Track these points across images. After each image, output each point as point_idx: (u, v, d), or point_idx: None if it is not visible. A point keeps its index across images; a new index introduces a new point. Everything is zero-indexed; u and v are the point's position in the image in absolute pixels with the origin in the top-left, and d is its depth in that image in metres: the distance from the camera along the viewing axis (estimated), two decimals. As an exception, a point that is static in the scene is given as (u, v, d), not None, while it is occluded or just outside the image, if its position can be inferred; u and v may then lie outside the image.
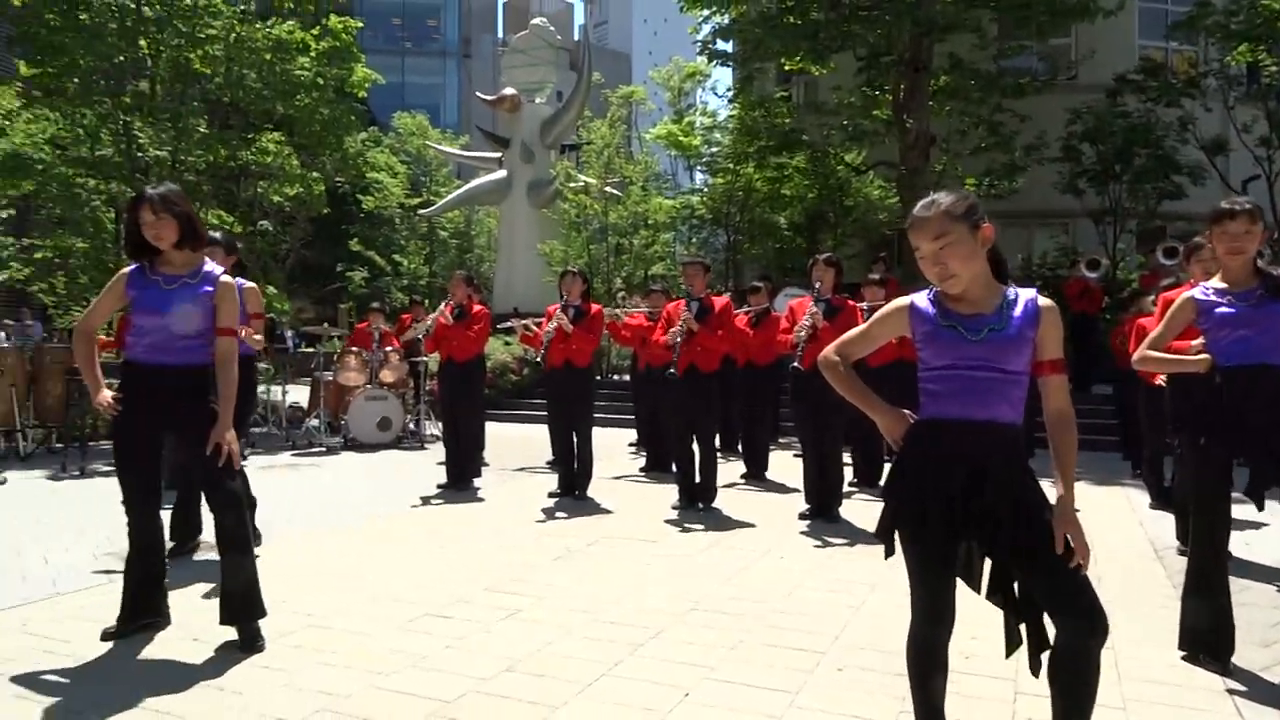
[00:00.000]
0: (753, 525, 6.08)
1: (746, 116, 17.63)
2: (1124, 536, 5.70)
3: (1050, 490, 2.29)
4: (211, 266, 3.65)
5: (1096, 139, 15.04)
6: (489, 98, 21.65)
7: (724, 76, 42.62)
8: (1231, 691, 3.21)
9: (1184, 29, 15.72)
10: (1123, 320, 8.07)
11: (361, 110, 18.18)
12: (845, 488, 6.60)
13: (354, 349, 10.24)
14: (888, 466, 7.64)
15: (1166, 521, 5.70)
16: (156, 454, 3.68)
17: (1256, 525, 5.56)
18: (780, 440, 9.70)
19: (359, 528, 5.91)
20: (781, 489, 7.47)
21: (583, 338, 6.82)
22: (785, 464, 8.44)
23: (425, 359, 10.29)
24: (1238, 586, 4.39)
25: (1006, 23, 15.07)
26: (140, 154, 11.88)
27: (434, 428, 10.55)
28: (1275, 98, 15.01)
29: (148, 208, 3.47)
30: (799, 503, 6.42)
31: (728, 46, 16.05)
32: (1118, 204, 15.36)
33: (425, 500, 6.89)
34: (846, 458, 6.89)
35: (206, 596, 4.20)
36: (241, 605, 3.55)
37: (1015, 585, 2.31)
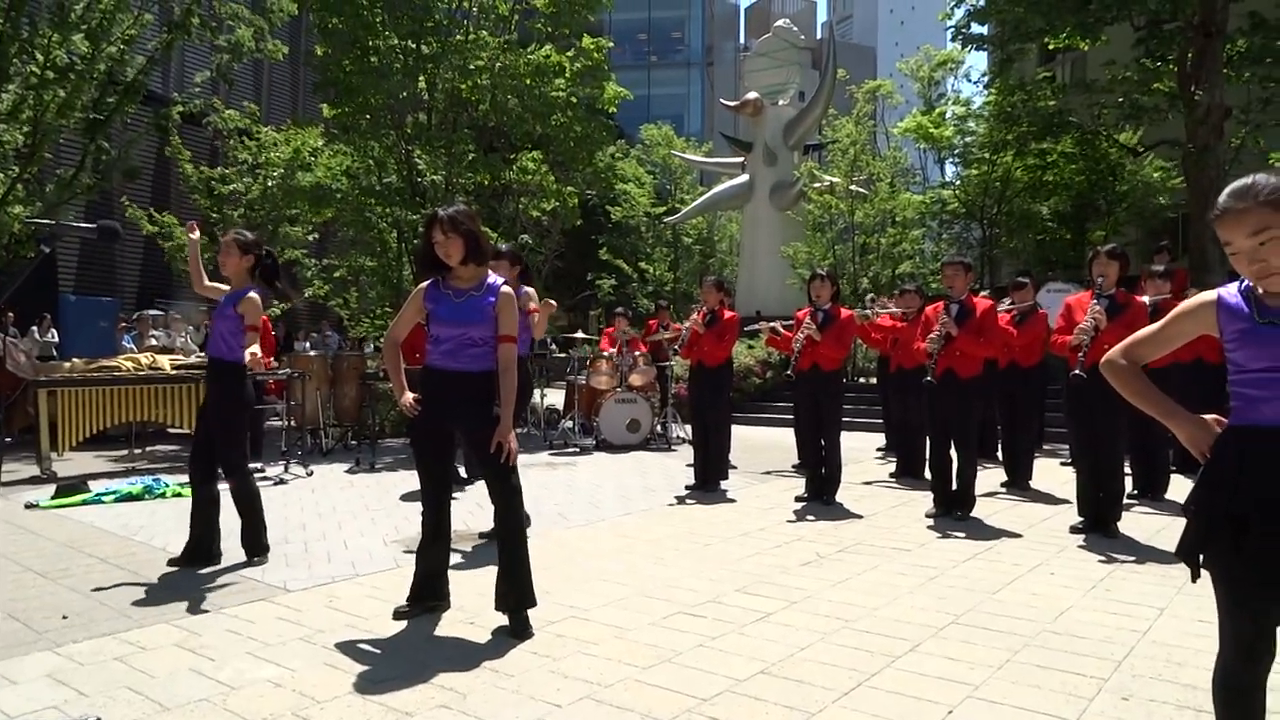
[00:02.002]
0: (1019, 536, 5.69)
1: (1005, 102, 16.54)
2: None
3: None
4: (494, 278, 3.95)
5: None
6: (731, 104, 21.85)
7: (978, 62, 40.33)
8: None
9: None
10: None
11: (611, 125, 19.01)
12: (1125, 500, 6.01)
13: (604, 354, 10.71)
14: (1175, 479, 6.92)
15: None
16: (450, 451, 4.05)
17: None
18: (1044, 447, 9.00)
19: (614, 525, 6.17)
20: (1048, 499, 6.94)
21: (832, 344, 6.71)
22: (1050, 472, 7.84)
23: (671, 363, 10.56)
24: None
25: (1322, -30, 13.11)
26: (419, 179, 13.12)
27: (680, 430, 10.80)
28: None
29: (438, 227, 3.82)
30: (1068, 515, 5.94)
31: (984, 29, 15.17)
32: None
33: (678, 500, 7.07)
34: (1125, 467, 6.27)
35: (481, 583, 4.56)
36: (515, 594, 3.82)
37: None
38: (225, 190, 16.68)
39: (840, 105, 20.71)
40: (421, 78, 13.05)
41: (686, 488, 7.46)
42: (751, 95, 20.81)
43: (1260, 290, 2.07)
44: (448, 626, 3.89)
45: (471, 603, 4.16)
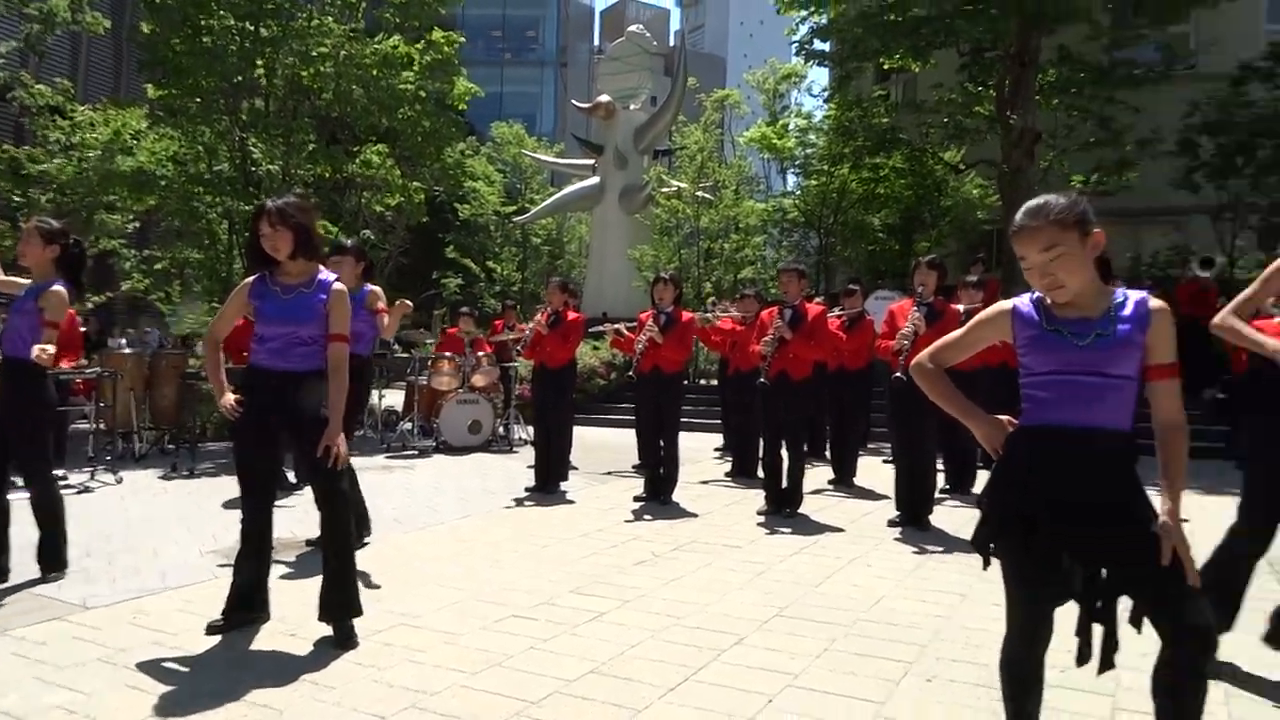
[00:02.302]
0: (841, 531, 5.98)
1: (843, 117, 17.38)
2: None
3: (1160, 500, 2.19)
4: (326, 275, 3.79)
5: (1217, 131, 14.26)
6: (584, 105, 21.95)
7: (820, 77, 42.11)
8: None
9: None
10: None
11: (461, 121, 18.69)
12: (937, 494, 6.42)
13: (447, 354, 10.51)
14: (981, 474, 7.44)
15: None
16: (275, 455, 3.86)
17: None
18: (869, 446, 9.50)
19: (449, 529, 6.06)
20: (871, 495, 7.33)
21: (674, 346, 6.84)
22: (873, 470, 8.27)
23: (516, 364, 10.48)
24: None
25: (1121, 11, 14.43)
26: (254, 169, 12.47)
27: (523, 431, 10.73)
28: None
29: (266, 219, 3.63)
30: (888, 510, 6.29)
31: (825, 46, 15.86)
32: (1238, 199, 14.52)
33: (517, 502, 7.02)
34: (939, 464, 6.70)
35: (304, 593, 4.38)
36: (340, 603, 3.68)
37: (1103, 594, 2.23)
38: (33, 171, 15.29)
39: (690, 112, 21.17)
40: (259, 62, 12.41)
41: (526, 489, 7.42)
42: (604, 98, 20.97)
43: (1049, 301, 2.26)
44: (266, 639, 3.71)
45: (294, 613, 3.99)
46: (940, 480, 7.02)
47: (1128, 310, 2.21)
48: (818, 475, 7.99)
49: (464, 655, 3.55)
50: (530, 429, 8.83)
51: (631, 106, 21.73)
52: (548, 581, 4.66)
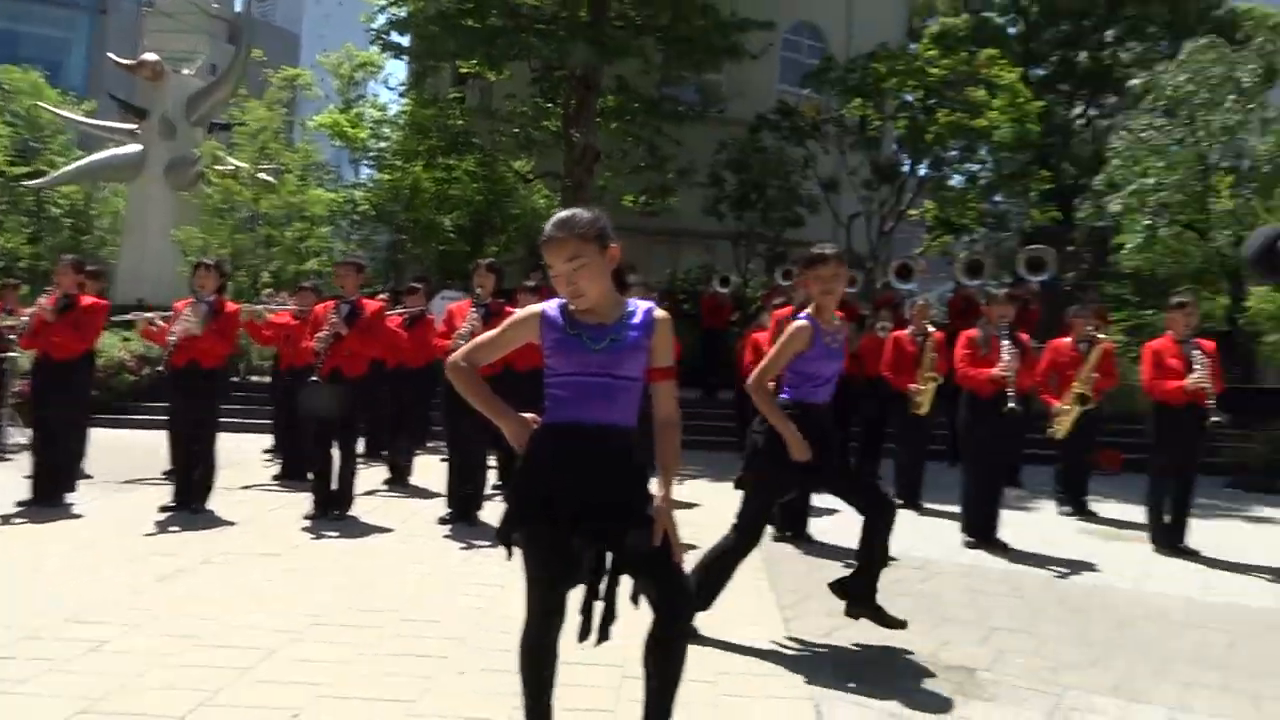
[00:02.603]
0: (390, 531, 5.95)
1: (418, 114, 17.28)
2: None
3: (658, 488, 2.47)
4: None
5: (738, 169, 16.64)
6: (126, 62, 19.21)
7: (397, 69, 41.50)
8: (799, 656, 3.68)
9: (814, 80, 17.90)
10: (745, 333, 8.95)
11: (-50, 56, 15.29)
12: (489, 490, 6.65)
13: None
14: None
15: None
16: None
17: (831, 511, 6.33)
18: (429, 445, 9.55)
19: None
20: (425, 494, 7.36)
21: (213, 339, 6.24)
22: (431, 468, 8.32)
23: (14, 354, 8.81)
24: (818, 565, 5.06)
25: (670, 54, 16.22)
26: None
27: (20, 435, 9.04)
28: (877, 148, 17.57)
29: None
30: (441, 507, 6.37)
31: (403, 40, 15.66)
32: (751, 228, 17.10)
33: (3, 520, 5.90)
34: (492, 460, 6.95)
35: None
36: None
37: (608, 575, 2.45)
38: None
39: (254, 88, 19.56)
40: None
41: (18, 504, 6.24)
42: (151, 56, 18.57)
43: (572, 307, 2.44)
44: None
45: None
46: (492, 476, 7.28)
47: (637, 318, 2.47)
48: (374, 475, 7.84)
49: (-97, 711, 2.91)
50: (30, 432, 7.45)
51: (185, 71, 19.51)
52: (34, 612, 3.98)
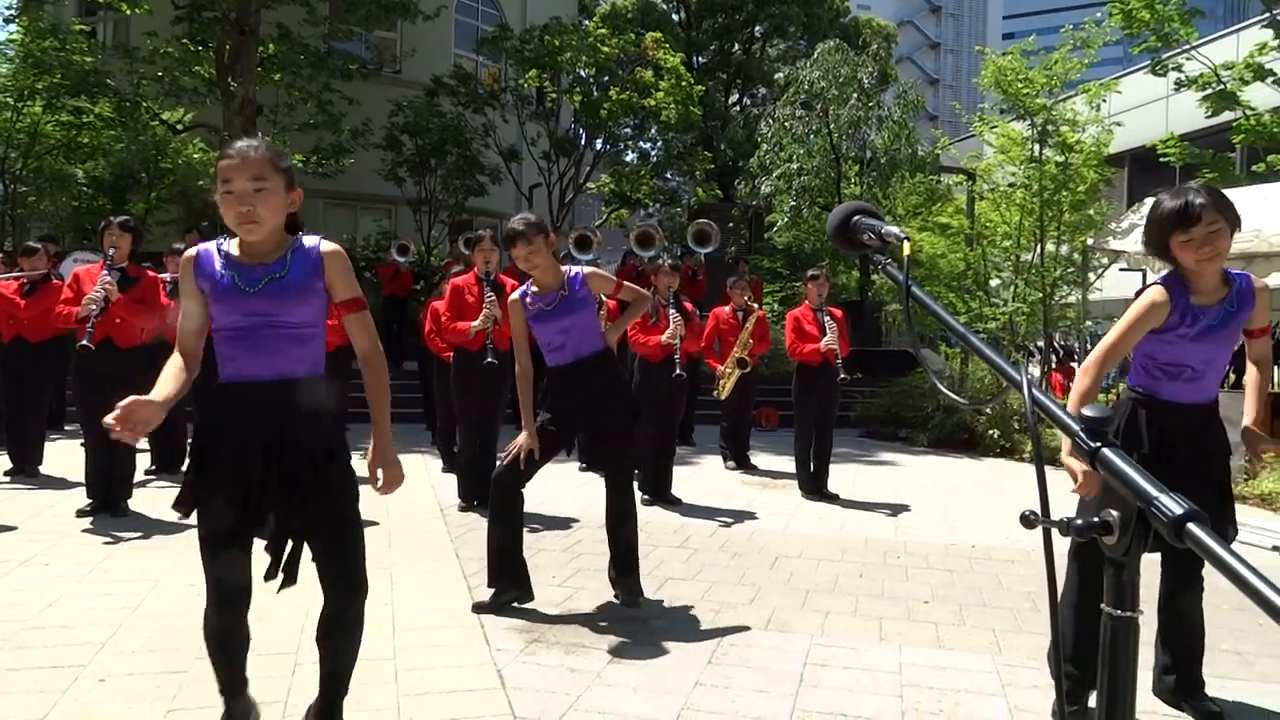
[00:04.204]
0: (14, 529, 5.14)
1: (34, 45, 14.77)
2: (418, 498, 6.23)
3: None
4: None
5: (416, 133, 16.19)
6: None
7: (8, -8, 35.00)
8: (482, 624, 3.73)
9: (489, 46, 17.83)
10: (427, 302, 8.79)
11: None
12: (139, 476, 5.99)
13: None
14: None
15: (453, 483, 6.37)
16: None
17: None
18: (65, 428, 8.37)
19: None
20: (61, 484, 6.46)
21: None
22: (69, 455, 7.32)
23: None
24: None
25: (337, 6, 15.29)
26: None
27: None
28: (555, 120, 17.94)
29: None
30: (77, 498, 5.63)
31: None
32: (432, 195, 16.77)
33: None
34: (143, 444, 6.25)
35: None
36: None
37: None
38: None
39: None
40: None
41: None
42: None
43: (241, 238, 2.24)
44: None
45: None
46: (146, 460, 6.56)
47: (303, 256, 2.28)
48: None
49: None
50: None
51: None
52: None
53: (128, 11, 14.63)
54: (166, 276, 6.32)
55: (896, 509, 6.51)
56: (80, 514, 5.42)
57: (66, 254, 9.81)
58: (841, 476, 7.27)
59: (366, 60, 16.52)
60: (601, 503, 4.10)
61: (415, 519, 5.66)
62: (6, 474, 6.68)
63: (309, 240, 2.32)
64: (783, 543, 5.37)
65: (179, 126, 15.67)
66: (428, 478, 7.10)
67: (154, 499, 5.92)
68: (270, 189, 2.18)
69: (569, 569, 4.62)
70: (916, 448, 10.05)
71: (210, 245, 2.29)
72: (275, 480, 2.24)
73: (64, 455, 7.09)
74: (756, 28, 24.95)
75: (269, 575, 2.33)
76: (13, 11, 15.49)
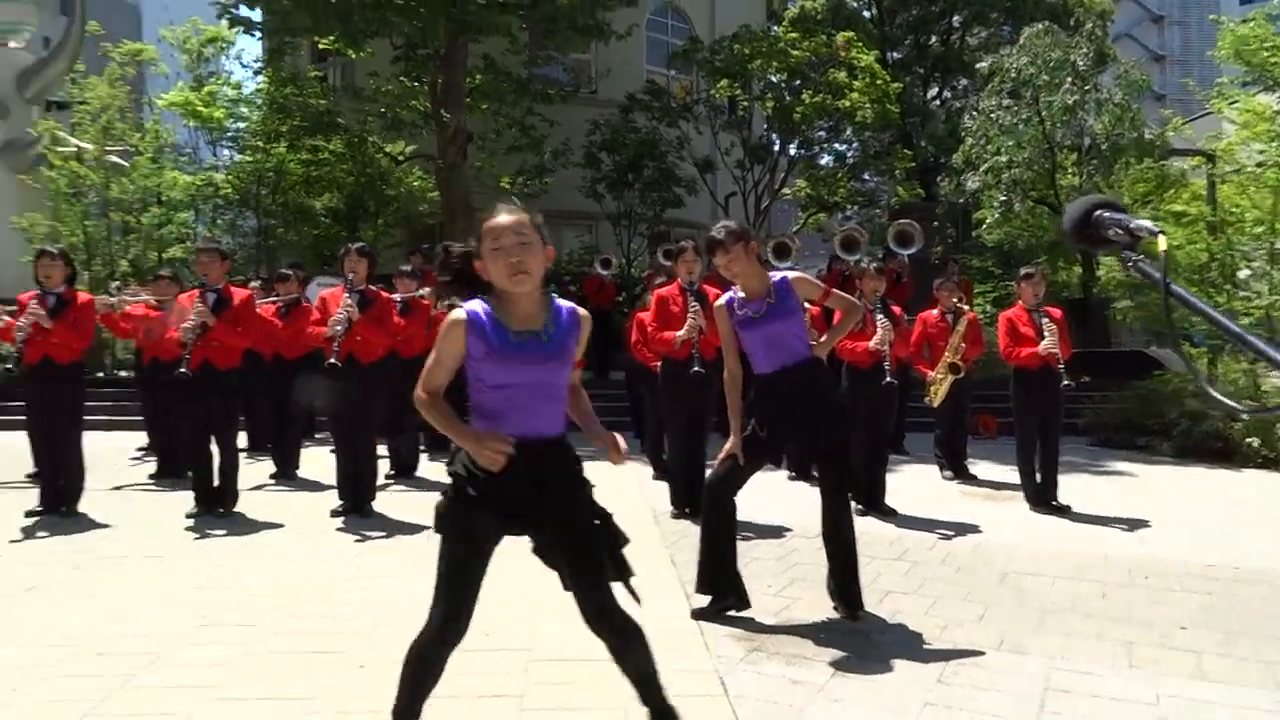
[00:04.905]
0: (281, 526, 5.74)
1: (277, 93, 16.50)
2: (629, 504, 6.39)
3: None
4: None
5: (613, 149, 16.68)
6: (-58, 34, 17.61)
7: (252, 46, 39.36)
8: (701, 630, 3.78)
9: (680, 60, 18.10)
10: (632, 314, 9.02)
11: None
12: (381, 480, 6.51)
13: None
14: (424, 458, 7.74)
15: (665, 490, 6.49)
16: None
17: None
18: (316, 436, 9.25)
19: None
20: (315, 487, 7.13)
21: (66, 332, 5.84)
22: (321, 461, 8.07)
23: None
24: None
25: (536, 33, 16.03)
26: None
27: None
28: (748, 128, 17.94)
29: None
30: (332, 499, 6.19)
31: (254, 14, 14.86)
32: (631, 209, 17.20)
33: None
34: (383, 449, 6.79)
35: None
36: None
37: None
38: None
39: (94, 63, 18.23)
40: None
41: None
42: (-29, 29, 17.08)
43: (509, 289, 2.38)
44: None
45: None
46: (385, 466, 7.11)
47: (564, 319, 2.47)
48: (258, 470, 7.54)
49: None
50: None
51: (13, 44, 18.03)
52: (-115, 632, 3.68)
53: (353, 56, 15.99)
54: (397, 297, 6.85)
55: (1136, 524, 6.01)
56: (333, 514, 5.97)
57: (310, 279, 10.82)
58: (1072, 488, 6.80)
59: (565, 83, 17.22)
60: (813, 512, 4.05)
61: (628, 526, 5.78)
62: (271, 477, 7.46)
63: (564, 302, 2.51)
64: (1010, 557, 5.09)
65: (400, 157, 16.95)
66: (639, 485, 7.28)
67: (395, 502, 6.43)
68: (533, 244, 2.36)
69: (784, 579, 4.59)
70: (1158, 457, 9.20)
71: (478, 308, 2.41)
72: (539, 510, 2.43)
73: (316, 461, 7.84)
74: (955, 17, 23.86)
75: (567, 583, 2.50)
76: (260, 64, 17.36)
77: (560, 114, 16.26)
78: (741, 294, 3.94)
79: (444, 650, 2.48)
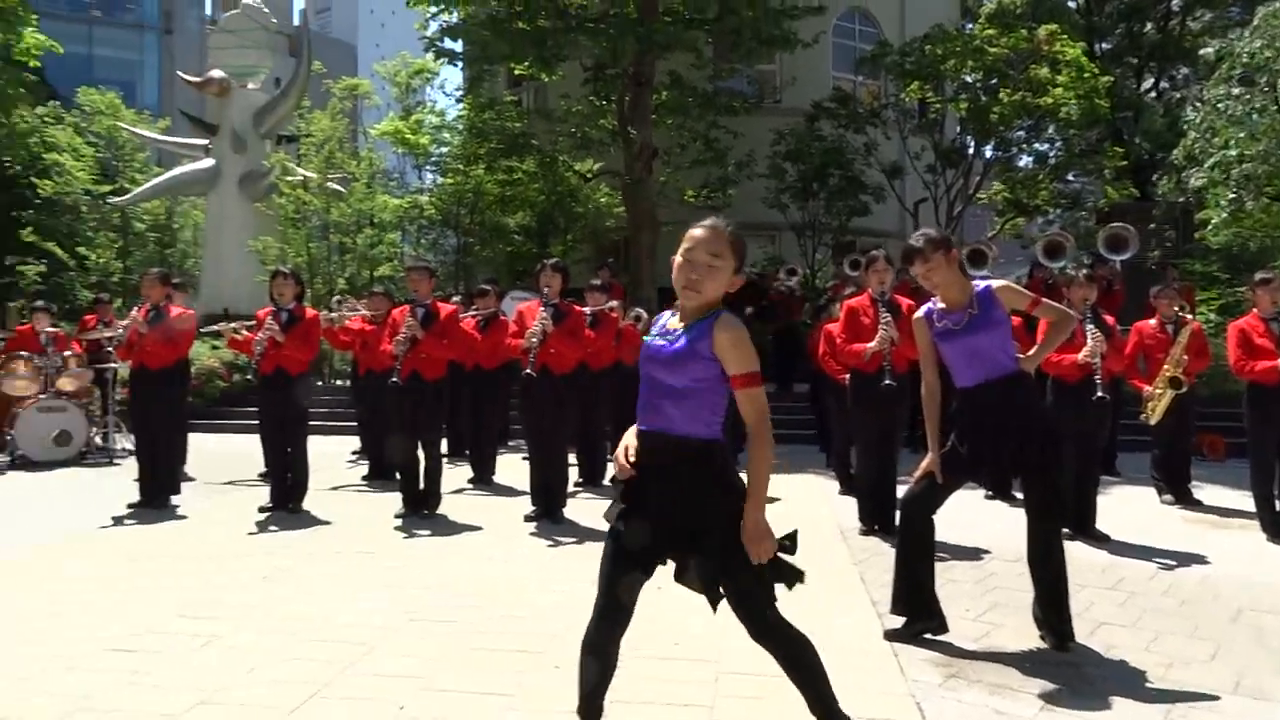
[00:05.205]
0: (479, 529, 6.05)
1: (476, 118, 17.48)
2: (816, 520, 6.27)
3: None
4: None
5: (797, 159, 16.48)
6: (194, 79, 19.81)
7: (453, 75, 41.73)
8: (895, 651, 3.64)
9: (868, 65, 17.68)
10: (817, 325, 8.87)
11: (36, 82, 15.93)
12: (570, 488, 6.72)
13: (22, 354, 8.96)
14: (610, 467, 7.91)
15: (852, 505, 6.32)
16: None
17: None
18: (509, 444, 9.69)
19: (29, 554, 5.20)
20: (510, 492, 7.46)
21: (297, 346, 6.43)
22: (514, 467, 8.44)
23: (115, 365, 9.21)
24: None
25: (721, 46, 16.15)
26: None
27: (126, 441, 9.48)
28: (940, 131, 17.25)
29: None
30: (526, 505, 6.45)
31: (456, 46, 15.86)
32: (815, 219, 16.93)
33: (116, 521, 6.18)
34: (571, 458, 7.01)
35: None
36: None
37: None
38: None
39: (317, 99, 20.00)
40: None
41: (129, 505, 6.55)
42: (217, 73, 19.09)
43: (680, 300, 2.46)
44: None
45: None
46: (573, 474, 7.34)
47: (700, 325, 2.44)
48: (458, 475, 7.98)
49: (36, 702, 3.06)
50: (133, 438, 7.81)
51: (250, 86, 20.03)
52: (150, 607, 4.17)
53: (545, 79, 16.71)
54: (587, 310, 7.06)
55: (1401, 561, 5.28)
56: (527, 519, 6.23)
57: (505, 294, 11.36)
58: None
59: (749, 95, 17.22)
60: (1013, 533, 3.83)
61: (815, 542, 5.69)
62: (469, 482, 7.88)
63: (719, 320, 2.44)
64: (1245, 592, 4.59)
65: (587, 175, 17.51)
66: (825, 500, 7.13)
67: (583, 508, 6.62)
68: (721, 268, 2.38)
69: (983, 603, 4.36)
70: None
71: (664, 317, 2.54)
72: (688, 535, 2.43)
73: (510, 467, 8.21)
74: (1174, 1, 22.00)
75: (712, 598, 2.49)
76: (461, 92, 18.47)
77: (744, 125, 16.26)
78: (941, 304, 3.78)
79: (608, 639, 2.57)
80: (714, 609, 2.49)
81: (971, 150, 17.49)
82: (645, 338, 2.51)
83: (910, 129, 17.26)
